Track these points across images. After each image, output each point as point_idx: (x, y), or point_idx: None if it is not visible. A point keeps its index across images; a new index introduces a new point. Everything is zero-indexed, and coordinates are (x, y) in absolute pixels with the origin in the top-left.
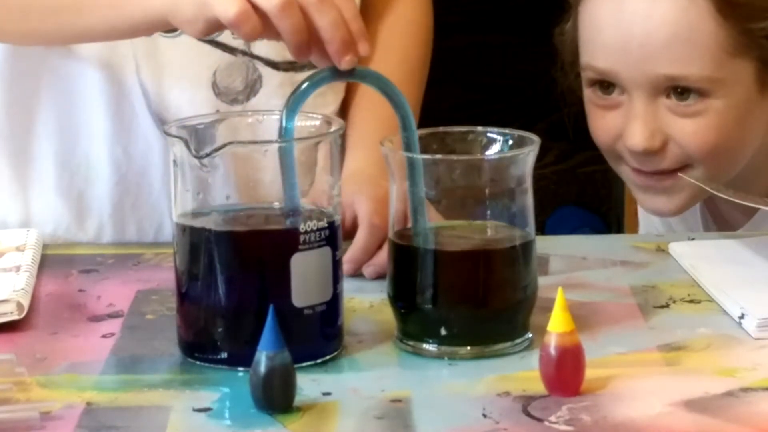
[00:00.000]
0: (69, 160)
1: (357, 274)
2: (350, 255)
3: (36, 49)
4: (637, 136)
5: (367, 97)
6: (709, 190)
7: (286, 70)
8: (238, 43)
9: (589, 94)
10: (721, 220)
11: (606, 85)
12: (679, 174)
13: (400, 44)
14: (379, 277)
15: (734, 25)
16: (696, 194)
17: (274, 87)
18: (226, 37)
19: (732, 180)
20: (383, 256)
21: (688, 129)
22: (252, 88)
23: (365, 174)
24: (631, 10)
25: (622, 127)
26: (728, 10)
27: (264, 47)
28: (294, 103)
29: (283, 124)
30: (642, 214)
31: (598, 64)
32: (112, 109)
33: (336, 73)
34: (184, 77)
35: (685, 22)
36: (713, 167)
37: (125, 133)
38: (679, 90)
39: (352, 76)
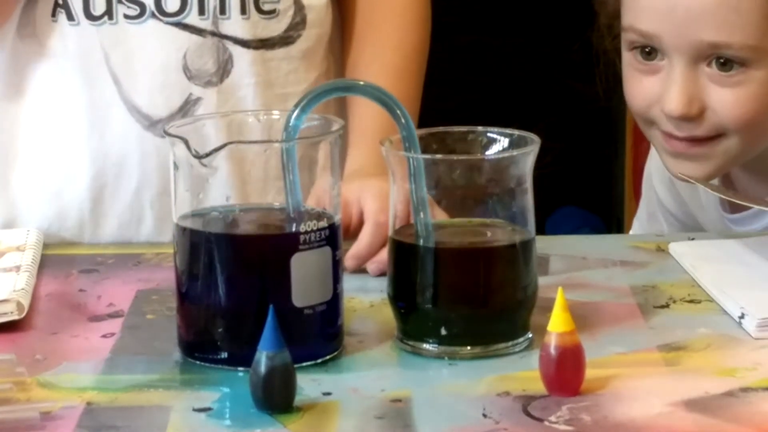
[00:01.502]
0: (48, 157)
1: (359, 270)
2: (354, 251)
3: (7, 47)
4: (675, 102)
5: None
6: (710, 191)
7: (256, 48)
8: (206, 24)
9: (629, 58)
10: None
11: (648, 50)
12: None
13: (396, 30)
14: (382, 274)
15: None
16: (724, 164)
17: (246, 66)
18: (193, 18)
19: (756, 160)
20: (387, 254)
21: (727, 98)
22: (224, 68)
23: (369, 172)
24: None
25: (659, 92)
26: None
27: (232, 26)
28: (308, 103)
29: (291, 123)
30: (645, 188)
31: (641, 26)
32: (85, 101)
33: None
34: (153, 62)
35: None
36: (748, 138)
37: (100, 124)
38: (722, 60)
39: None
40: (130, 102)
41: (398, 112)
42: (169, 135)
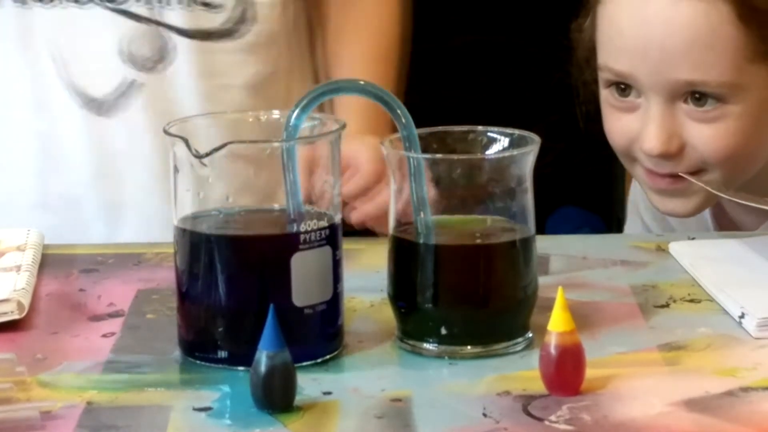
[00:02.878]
0: None
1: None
2: (343, 191)
3: None
4: (653, 140)
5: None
6: (711, 190)
7: (197, 38)
8: (146, 11)
9: (605, 95)
10: (730, 225)
11: (623, 87)
12: (680, 173)
13: (375, 20)
14: (362, 228)
15: (754, 31)
16: (710, 196)
17: (187, 55)
18: (134, 5)
19: (746, 184)
20: (370, 206)
21: (706, 134)
22: (166, 56)
23: (365, 136)
24: (652, 13)
25: (638, 129)
26: (749, 16)
27: (174, 15)
28: (308, 103)
29: (292, 122)
30: (630, 212)
31: (616, 66)
32: (29, 84)
33: (349, 88)
34: (92, 45)
35: (706, 27)
36: (729, 172)
37: (47, 108)
38: (697, 95)
39: (360, 93)
40: (70, 84)
41: (399, 111)
42: (169, 135)
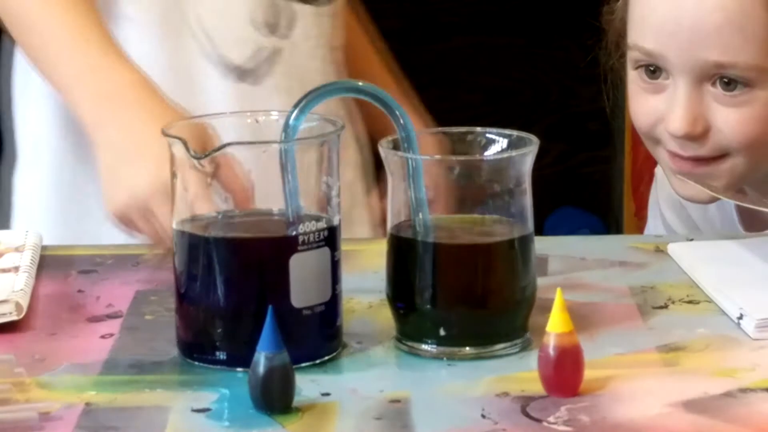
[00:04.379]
0: None
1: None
2: None
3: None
4: (679, 121)
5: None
6: (712, 192)
7: (314, 3)
8: None
9: (634, 76)
10: (756, 222)
11: (653, 69)
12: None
13: (372, 46)
14: None
15: None
16: (730, 183)
17: (305, 19)
18: None
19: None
20: None
21: (732, 118)
22: (289, 22)
23: None
24: None
25: (664, 111)
26: None
27: None
28: (306, 103)
29: (290, 122)
30: (651, 216)
31: (646, 44)
32: (167, 60)
33: (348, 89)
34: (227, 16)
35: (738, 9)
36: (752, 158)
37: (190, 79)
38: (726, 79)
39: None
40: (219, 52)
41: (397, 112)
42: (168, 135)
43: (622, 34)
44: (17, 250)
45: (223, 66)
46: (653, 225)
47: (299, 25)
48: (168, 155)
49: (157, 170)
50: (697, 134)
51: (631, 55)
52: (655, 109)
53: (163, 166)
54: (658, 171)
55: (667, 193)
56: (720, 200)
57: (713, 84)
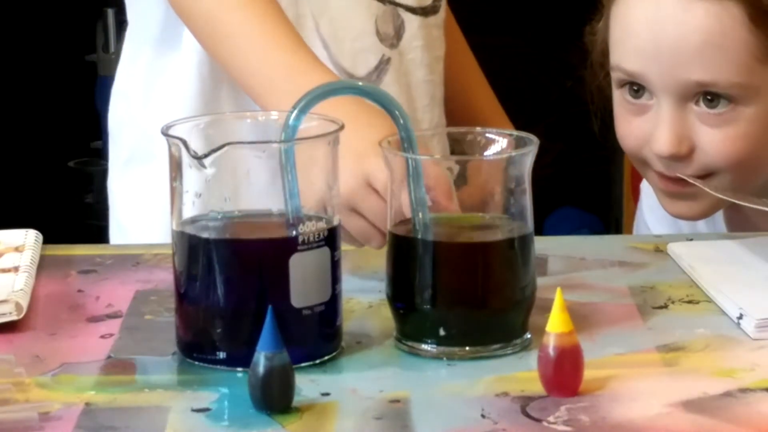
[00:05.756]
0: None
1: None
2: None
3: None
4: (664, 141)
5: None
6: (710, 191)
7: (420, 14)
8: None
9: (618, 96)
10: (746, 226)
11: (636, 88)
12: (681, 175)
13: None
14: None
15: (766, 33)
16: (718, 202)
17: (415, 30)
18: None
19: (760, 191)
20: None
21: (716, 138)
22: (399, 32)
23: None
24: (664, 14)
25: (649, 132)
26: (761, 19)
27: None
28: (306, 103)
29: (290, 122)
30: (638, 220)
31: (628, 66)
32: None
33: (348, 89)
34: (352, 28)
35: (718, 28)
36: (738, 176)
37: None
38: (709, 97)
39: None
40: (338, 64)
41: (397, 113)
42: (167, 136)
43: (605, 53)
44: (17, 250)
45: (342, 76)
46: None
47: (407, 35)
48: (366, 149)
49: (354, 166)
50: (683, 154)
51: (614, 75)
52: (640, 130)
53: (362, 161)
54: (644, 185)
55: (657, 206)
56: (709, 217)
57: (696, 102)
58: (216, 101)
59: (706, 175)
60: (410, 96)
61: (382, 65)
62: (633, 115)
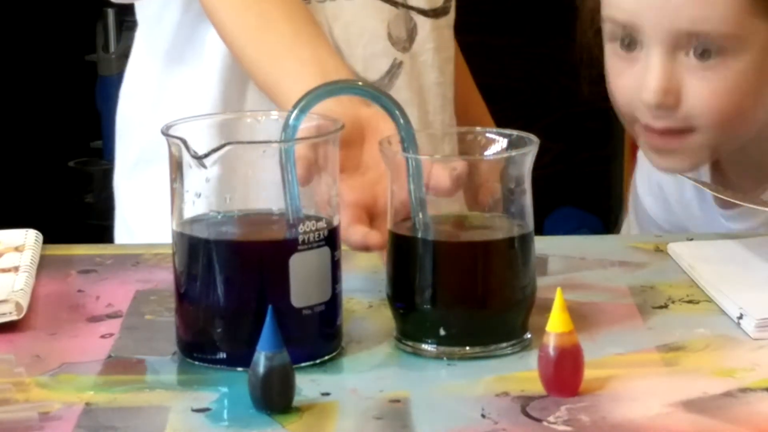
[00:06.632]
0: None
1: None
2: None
3: None
4: (651, 89)
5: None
6: (707, 190)
7: (431, 17)
8: None
9: (609, 49)
10: (726, 184)
11: (627, 42)
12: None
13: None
14: None
15: None
16: (701, 158)
17: (427, 32)
18: None
19: (743, 152)
20: None
21: (704, 91)
22: (411, 36)
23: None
24: None
25: (639, 83)
26: None
27: None
28: (306, 103)
29: (290, 122)
30: (631, 213)
31: (618, 15)
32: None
33: (348, 89)
34: (365, 32)
35: None
36: (719, 133)
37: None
38: (700, 50)
39: (359, 93)
40: (352, 69)
41: (397, 112)
42: (167, 136)
43: (595, 9)
44: (17, 249)
45: (356, 77)
46: (634, 215)
47: (419, 38)
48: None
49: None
50: (670, 103)
51: (605, 28)
52: (630, 82)
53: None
54: (640, 155)
55: (646, 175)
56: (696, 183)
57: (687, 54)
58: (238, 106)
59: (689, 131)
60: (422, 99)
61: (394, 69)
62: (624, 68)
